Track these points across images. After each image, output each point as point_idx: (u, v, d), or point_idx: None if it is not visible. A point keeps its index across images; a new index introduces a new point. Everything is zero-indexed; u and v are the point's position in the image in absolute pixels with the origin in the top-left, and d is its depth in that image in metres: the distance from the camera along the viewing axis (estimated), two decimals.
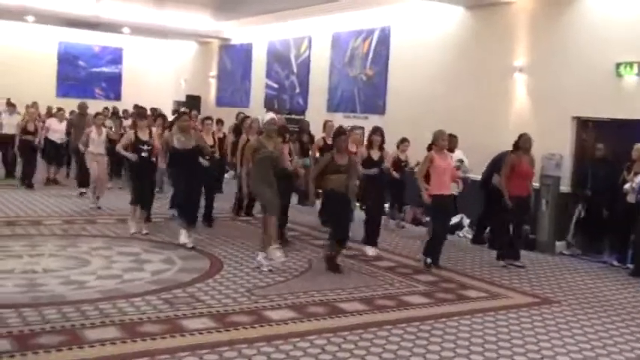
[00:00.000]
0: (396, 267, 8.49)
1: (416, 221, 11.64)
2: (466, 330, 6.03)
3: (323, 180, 8.12)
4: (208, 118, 10.96)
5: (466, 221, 11.03)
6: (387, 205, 11.62)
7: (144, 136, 9.52)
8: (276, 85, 17.78)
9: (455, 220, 10.78)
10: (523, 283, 8.05)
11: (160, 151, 9.49)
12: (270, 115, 8.57)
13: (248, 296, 6.67)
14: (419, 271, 8.26)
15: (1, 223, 9.82)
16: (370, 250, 9.05)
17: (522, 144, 8.92)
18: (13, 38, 20.34)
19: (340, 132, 8.66)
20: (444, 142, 8.55)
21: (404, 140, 11.04)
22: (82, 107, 13.93)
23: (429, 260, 8.42)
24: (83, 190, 12.56)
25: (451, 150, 9.62)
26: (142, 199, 9.59)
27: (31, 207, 11.40)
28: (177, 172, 9.06)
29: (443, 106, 12.30)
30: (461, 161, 10.32)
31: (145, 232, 9.44)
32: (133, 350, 5.04)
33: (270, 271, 7.65)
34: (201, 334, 5.49)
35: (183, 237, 8.74)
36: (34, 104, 15.04)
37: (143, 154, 9.43)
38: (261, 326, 5.79)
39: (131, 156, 9.34)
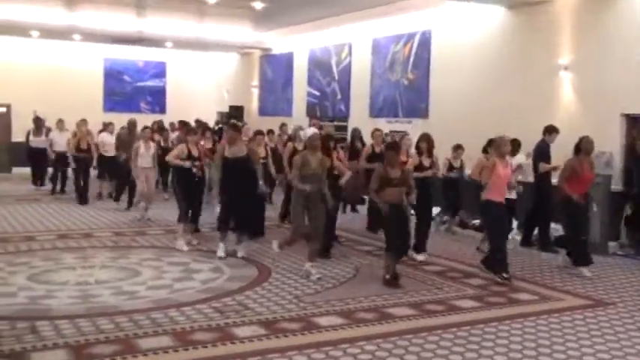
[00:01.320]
0: (445, 271, 8.40)
1: (463, 225, 11.51)
2: (518, 334, 5.92)
3: (379, 193, 7.98)
4: (260, 132, 11.13)
5: (514, 223, 10.84)
6: (438, 209, 11.58)
7: (194, 151, 9.67)
8: (317, 93, 17.85)
9: None
10: (576, 286, 7.87)
11: (214, 163, 9.39)
12: (312, 130, 8.59)
13: (296, 303, 6.69)
14: (468, 275, 8.15)
15: (54, 237, 10.07)
16: (420, 257, 8.95)
17: (584, 147, 8.55)
18: (60, 57, 20.89)
19: (391, 146, 8.41)
20: (507, 147, 8.14)
21: (458, 147, 10.93)
22: (131, 124, 14.16)
23: (505, 275, 7.77)
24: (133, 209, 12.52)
25: (512, 154, 9.49)
26: (192, 212, 9.71)
27: (83, 220, 11.66)
28: (227, 180, 8.88)
29: (487, 107, 12.18)
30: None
31: (195, 242, 9.58)
32: (185, 359, 5.11)
33: (319, 279, 7.66)
34: (251, 341, 5.53)
35: (241, 250, 8.86)
36: (84, 121, 15.35)
37: (194, 170, 9.52)
38: (311, 333, 5.80)
39: (184, 163, 9.39)
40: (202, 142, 11.07)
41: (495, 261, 7.92)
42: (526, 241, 10.20)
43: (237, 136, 9.04)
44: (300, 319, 6.18)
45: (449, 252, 9.63)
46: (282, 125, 15.00)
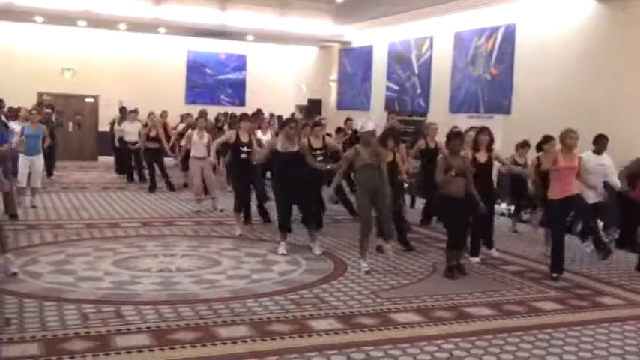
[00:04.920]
0: (525, 271, 8.18)
1: (542, 223, 11.15)
2: (603, 339, 5.71)
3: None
4: (317, 124, 10.46)
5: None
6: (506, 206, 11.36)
7: (244, 138, 9.62)
8: (396, 87, 17.69)
9: None
10: None
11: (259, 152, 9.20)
12: (369, 124, 8.13)
13: (373, 298, 6.67)
14: (548, 276, 7.91)
15: (138, 224, 10.40)
16: (494, 252, 8.80)
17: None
18: (145, 50, 21.49)
19: (454, 134, 8.30)
20: (572, 140, 7.71)
21: (524, 144, 10.53)
22: (202, 114, 14.37)
23: (554, 275, 7.76)
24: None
25: (598, 153, 9.09)
26: (245, 202, 9.69)
27: (164, 209, 11.99)
28: (277, 175, 8.80)
29: (575, 103, 11.76)
30: None
31: (238, 233, 9.62)
32: (262, 348, 5.16)
33: (366, 272, 7.61)
34: (327, 334, 5.54)
35: (282, 248, 8.64)
36: (164, 113, 15.69)
37: (242, 156, 9.47)
38: (387, 329, 5.76)
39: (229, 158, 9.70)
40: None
41: (553, 257, 7.87)
42: (622, 243, 9.78)
43: (294, 132, 8.73)
44: (377, 314, 6.15)
45: (527, 251, 9.38)
46: (347, 120, 14.68)
